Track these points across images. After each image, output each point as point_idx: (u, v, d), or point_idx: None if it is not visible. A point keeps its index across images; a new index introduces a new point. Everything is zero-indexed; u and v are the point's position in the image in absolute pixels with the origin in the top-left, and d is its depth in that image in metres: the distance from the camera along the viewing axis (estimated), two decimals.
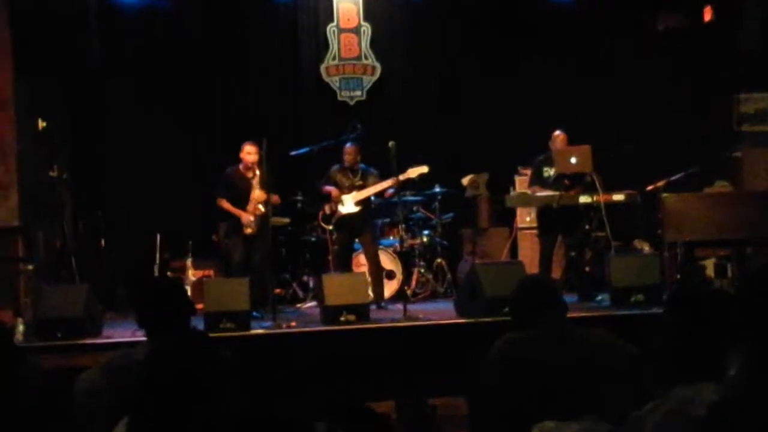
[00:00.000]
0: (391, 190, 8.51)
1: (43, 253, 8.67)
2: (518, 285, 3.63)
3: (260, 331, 7.01)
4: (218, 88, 10.61)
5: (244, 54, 10.63)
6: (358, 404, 2.56)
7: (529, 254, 9.52)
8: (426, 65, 10.94)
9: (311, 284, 9.37)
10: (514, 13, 10.66)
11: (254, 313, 7.50)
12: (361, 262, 9.05)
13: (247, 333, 6.88)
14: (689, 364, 2.40)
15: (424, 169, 8.63)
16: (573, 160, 8.09)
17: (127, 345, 4.66)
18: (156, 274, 8.91)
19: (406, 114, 10.69)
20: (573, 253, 8.43)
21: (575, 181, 8.20)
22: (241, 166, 8.42)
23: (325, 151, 9.25)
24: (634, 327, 5.42)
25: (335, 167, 8.85)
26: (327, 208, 8.79)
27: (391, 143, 7.81)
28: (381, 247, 9.16)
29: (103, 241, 9.46)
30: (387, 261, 9.20)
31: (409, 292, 9.08)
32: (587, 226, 8.24)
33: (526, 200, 8.82)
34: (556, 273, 8.67)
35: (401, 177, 8.25)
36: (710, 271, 8.93)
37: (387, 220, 9.74)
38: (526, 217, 10.00)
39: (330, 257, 9.00)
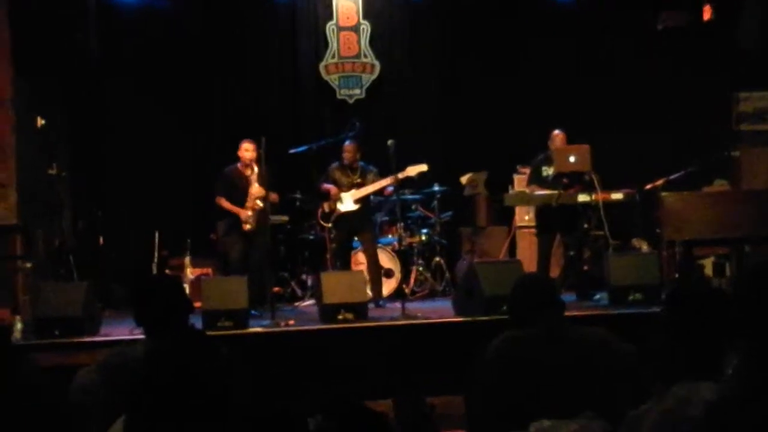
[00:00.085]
0: (390, 188, 8.51)
1: (41, 251, 8.67)
2: (516, 284, 3.63)
3: (258, 329, 7.01)
4: (217, 87, 10.62)
5: (243, 52, 10.64)
6: (353, 402, 2.56)
7: (527, 253, 9.52)
8: (425, 64, 10.95)
9: (309, 282, 9.37)
10: (513, 11, 10.66)
11: (252, 312, 7.50)
12: (359, 261, 9.05)
13: (245, 331, 6.88)
14: (687, 363, 2.40)
15: (424, 167, 8.62)
16: (572, 159, 8.09)
17: (125, 343, 4.66)
18: (154, 272, 8.92)
19: (405, 112, 10.70)
20: (571, 252, 8.43)
21: (574, 180, 8.20)
22: (239, 165, 8.43)
23: (324, 149, 9.24)
24: (633, 326, 5.39)
25: (334, 165, 8.85)
26: (326, 206, 8.79)
27: (390, 141, 7.81)
28: (379, 245, 9.16)
29: (101, 240, 9.47)
30: (385, 259, 9.20)
31: (407, 290, 9.09)
32: (586, 225, 8.23)
33: (524, 199, 8.81)
34: (555, 272, 8.67)
35: (400, 175, 8.26)
36: (709, 270, 8.94)
37: (386, 218, 9.74)
38: (524, 216, 10.00)
39: (328, 255, 8.99)
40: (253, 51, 10.70)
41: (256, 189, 8.24)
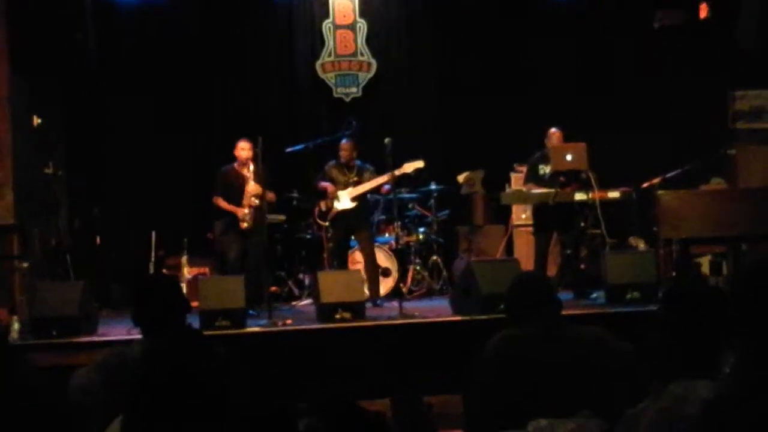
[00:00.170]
0: (387, 187, 8.51)
1: (38, 250, 8.66)
2: (513, 282, 3.64)
3: (256, 328, 7.01)
4: (214, 86, 10.61)
5: (240, 51, 10.64)
6: (345, 401, 2.56)
7: (524, 251, 9.52)
8: (422, 62, 10.94)
9: (307, 282, 9.37)
10: (510, 9, 10.66)
11: (250, 311, 7.50)
12: (356, 260, 9.05)
13: (242, 331, 6.88)
14: (684, 362, 2.40)
15: (420, 163, 8.62)
16: (568, 157, 8.09)
17: (122, 343, 4.67)
18: (151, 271, 8.91)
19: (402, 111, 10.70)
20: (568, 251, 8.43)
21: (571, 178, 8.20)
22: (236, 164, 8.43)
23: (320, 147, 9.24)
24: (630, 324, 5.41)
25: (331, 163, 8.85)
26: (323, 205, 8.79)
27: (386, 140, 7.81)
28: (377, 244, 9.16)
29: (98, 239, 9.46)
30: (383, 258, 9.20)
31: (404, 289, 9.09)
32: (582, 224, 8.24)
33: (521, 197, 8.82)
34: (552, 270, 8.67)
35: (397, 172, 8.26)
36: (706, 269, 8.95)
37: (383, 217, 9.74)
38: (521, 215, 10.01)
39: (325, 255, 8.99)
40: (250, 50, 10.70)
41: (252, 187, 8.24)
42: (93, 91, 10.01)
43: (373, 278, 8.59)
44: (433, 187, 9.64)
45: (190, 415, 1.99)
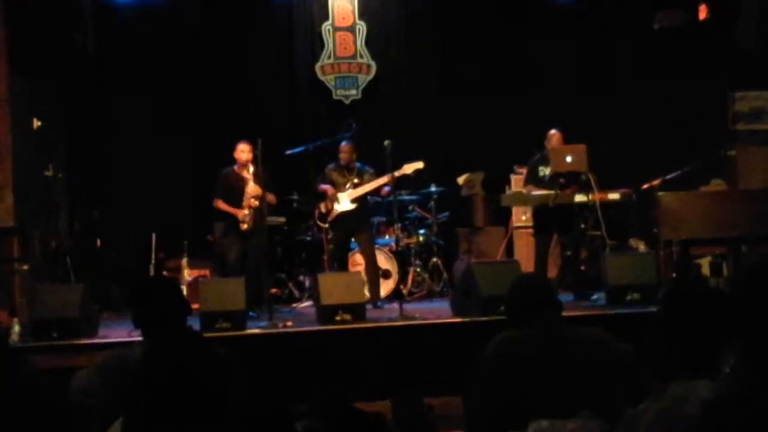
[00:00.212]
0: (387, 189, 8.51)
1: (38, 252, 8.66)
2: (513, 284, 3.63)
3: (256, 330, 7.01)
4: (214, 88, 10.62)
5: (240, 53, 10.65)
6: (345, 403, 2.56)
7: (524, 253, 9.52)
8: (421, 64, 10.95)
9: (307, 284, 9.37)
10: (510, 10, 10.67)
11: (250, 313, 7.50)
12: (356, 262, 9.05)
13: (243, 333, 6.88)
14: (684, 362, 2.40)
15: (419, 164, 8.61)
16: (568, 159, 8.09)
17: (123, 345, 4.66)
18: (152, 273, 8.91)
19: (402, 113, 10.71)
20: (569, 252, 8.44)
21: (570, 180, 8.20)
22: (235, 167, 8.44)
23: (320, 150, 9.25)
24: (630, 326, 5.41)
25: (331, 166, 8.85)
26: (323, 207, 8.79)
27: (386, 142, 7.81)
28: (377, 246, 9.16)
29: (98, 241, 9.46)
30: (383, 260, 9.20)
31: (405, 291, 9.09)
32: (583, 225, 8.24)
33: (521, 199, 8.82)
34: (552, 272, 8.68)
35: (397, 173, 8.25)
36: (706, 270, 8.94)
37: (383, 219, 9.74)
38: (521, 216, 10.01)
39: (326, 257, 8.99)
40: (250, 52, 10.70)
41: (251, 188, 8.24)
42: (92, 93, 10.02)
43: (373, 280, 8.59)
44: (433, 189, 9.64)
45: (190, 416, 1.99)
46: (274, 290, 8.95)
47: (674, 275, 8.02)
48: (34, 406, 2.89)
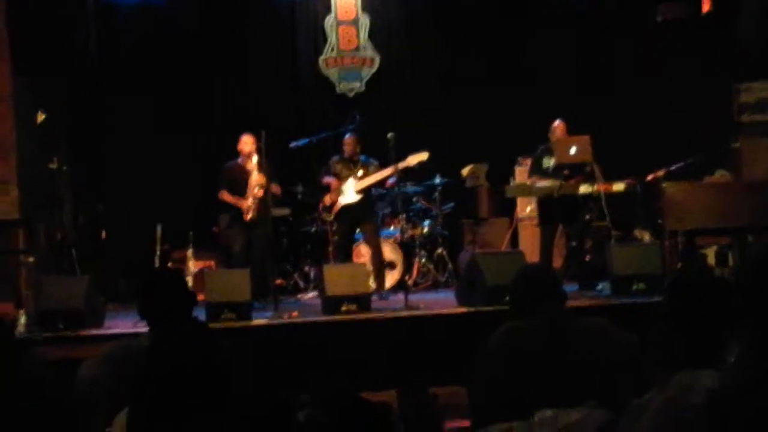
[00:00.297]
0: (392, 180, 8.50)
1: (43, 245, 8.68)
2: (518, 274, 3.63)
3: (261, 321, 7.02)
4: (217, 81, 10.62)
5: (243, 48, 10.65)
6: (351, 394, 2.56)
7: (529, 245, 9.52)
8: (425, 56, 10.94)
9: (312, 275, 9.38)
10: (513, 3, 10.64)
11: (255, 304, 7.51)
12: (361, 253, 9.06)
13: (248, 323, 6.89)
14: (689, 352, 2.40)
15: (424, 156, 8.59)
16: (573, 149, 8.09)
17: (128, 336, 4.68)
18: (157, 265, 8.92)
19: (405, 105, 10.70)
20: (573, 243, 8.43)
21: (575, 171, 8.20)
22: (239, 159, 8.45)
23: (324, 142, 9.26)
24: (635, 316, 5.42)
25: (335, 158, 8.85)
26: (327, 199, 8.79)
27: (390, 134, 7.81)
28: (382, 237, 9.16)
29: (103, 233, 9.47)
30: (388, 251, 9.20)
31: (410, 282, 9.09)
32: (587, 216, 8.23)
33: (525, 190, 8.82)
34: (557, 262, 8.68)
35: (401, 165, 8.24)
36: (711, 260, 8.93)
37: (388, 210, 9.75)
38: (526, 208, 10.00)
39: (330, 248, 9.00)
40: (253, 46, 10.70)
41: (256, 177, 8.24)
42: (95, 89, 10.02)
43: (378, 271, 8.60)
44: (437, 180, 9.65)
45: (195, 407, 1.99)
46: (279, 281, 8.96)
47: (679, 265, 8.01)
48: (41, 397, 2.90)
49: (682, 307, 2.47)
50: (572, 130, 8.45)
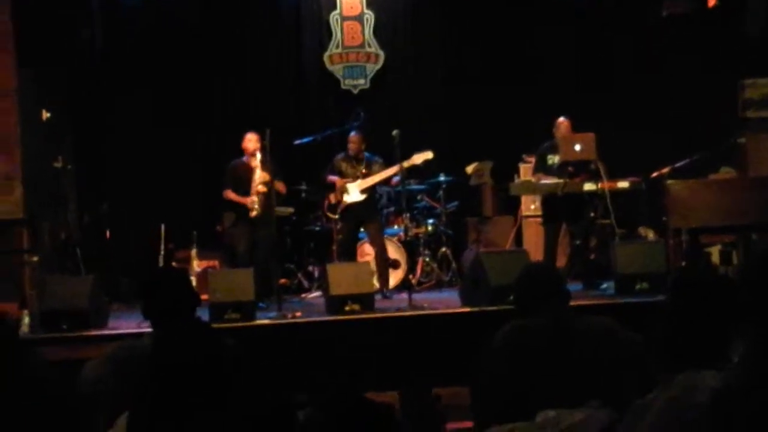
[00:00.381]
0: (396, 178, 8.49)
1: (48, 244, 8.68)
2: (522, 273, 3.63)
3: (265, 321, 7.03)
4: (221, 79, 10.62)
5: (247, 44, 10.65)
6: (355, 394, 2.56)
7: (533, 242, 9.51)
8: (430, 53, 10.93)
9: (316, 274, 9.38)
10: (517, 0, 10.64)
11: (259, 304, 7.51)
12: (365, 252, 9.06)
13: (252, 323, 6.90)
14: (692, 351, 2.39)
15: (429, 154, 8.59)
16: (577, 147, 8.07)
17: (132, 336, 4.68)
18: (161, 265, 8.93)
19: (410, 102, 10.69)
20: (578, 241, 8.42)
21: (579, 168, 8.18)
22: (244, 158, 8.44)
23: (329, 139, 9.25)
24: (639, 315, 5.41)
25: (339, 156, 8.84)
26: (332, 198, 8.79)
27: (395, 131, 7.80)
28: (386, 236, 9.15)
29: (107, 233, 9.48)
30: (392, 250, 9.19)
31: (413, 281, 9.08)
32: (592, 214, 8.22)
33: (530, 188, 8.81)
34: (561, 261, 8.66)
35: (406, 164, 8.24)
36: (716, 258, 8.91)
37: (392, 209, 9.74)
38: (530, 205, 9.99)
39: (334, 247, 9.00)
40: (257, 42, 10.70)
41: (259, 174, 8.23)
42: (100, 86, 10.02)
43: (382, 270, 8.60)
44: (441, 178, 9.63)
45: (198, 406, 1.99)
46: (283, 281, 8.96)
47: (683, 263, 7.99)
48: (44, 397, 2.90)
49: (685, 306, 2.46)
50: (577, 128, 8.43)
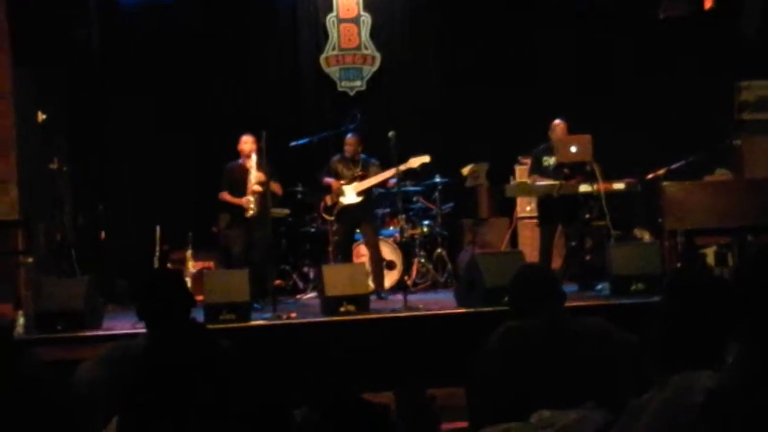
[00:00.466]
0: (393, 180, 8.50)
1: (43, 246, 8.66)
2: (517, 274, 3.63)
3: (260, 322, 7.01)
4: (218, 81, 10.60)
5: (244, 46, 10.64)
6: (351, 394, 2.56)
7: (529, 244, 9.51)
8: (426, 55, 10.93)
9: (311, 275, 9.37)
10: (514, 1, 10.63)
11: (254, 305, 7.50)
12: (361, 253, 9.05)
13: (247, 324, 6.88)
14: (687, 352, 2.39)
15: (426, 158, 8.61)
16: (573, 149, 8.08)
17: (127, 337, 4.67)
18: (156, 265, 8.91)
19: (406, 104, 10.69)
20: (573, 243, 8.42)
21: (575, 170, 8.19)
22: (240, 160, 8.44)
23: (325, 141, 9.24)
24: (634, 316, 5.39)
25: (336, 157, 8.84)
26: (328, 199, 8.79)
27: (390, 133, 7.81)
28: (381, 237, 9.16)
29: (103, 234, 9.46)
30: (387, 251, 9.20)
31: (409, 282, 9.08)
32: (587, 215, 8.22)
33: (526, 190, 8.81)
34: (557, 262, 8.67)
35: (402, 167, 8.25)
36: (711, 260, 8.92)
37: (387, 210, 9.74)
38: (526, 207, 9.99)
39: (330, 248, 9.00)
40: (254, 45, 10.70)
41: (254, 174, 8.22)
42: (96, 86, 10.01)
43: (377, 271, 8.59)
44: (437, 179, 9.63)
45: (193, 406, 1.99)
46: (278, 282, 8.95)
47: (678, 265, 8.00)
48: (39, 398, 2.89)
49: (681, 307, 2.46)
50: (573, 129, 8.44)
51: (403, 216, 8.84)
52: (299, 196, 9.62)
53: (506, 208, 10.14)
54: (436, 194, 9.74)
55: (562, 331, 3.36)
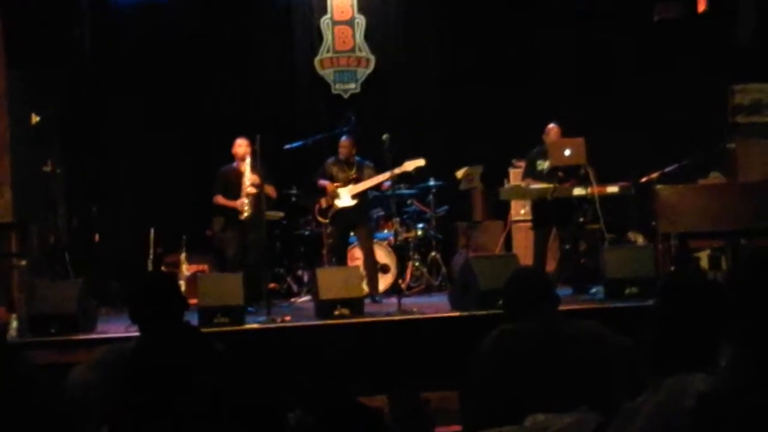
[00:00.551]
0: (387, 183, 8.50)
1: (36, 248, 8.65)
2: (511, 277, 3.63)
3: (254, 325, 7.00)
4: (212, 83, 10.60)
5: (239, 48, 10.63)
6: (346, 397, 2.56)
7: (523, 247, 9.52)
8: (420, 57, 10.93)
9: (306, 278, 9.37)
10: (509, 4, 10.64)
11: (248, 308, 7.49)
12: (355, 256, 9.05)
13: (241, 328, 6.88)
14: (681, 355, 2.39)
15: (421, 162, 8.62)
16: (567, 152, 8.08)
17: (120, 340, 4.67)
18: (149, 269, 8.89)
19: (401, 107, 10.68)
20: (567, 246, 8.42)
21: (569, 173, 8.19)
22: (234, 163, 8.43)
23: (319, 144, 9.23)
24: (628, 319, 5.41)
25: (330, 160, 8.84)
26: (323, 202, 8.79)
27: (385, 136, 7.81)
28: (375, 240, 9.15)
29: (96, 236, 9.45)
30: (381, 254, 9.19)
31: (403, 285, 9.07)
32: (581, 219, 8.22)
33: (520, 193, 8.82)
34: (551, 266, 8.67)
35: (397, 170, 8.26)
36: (704, 263, 8.93)
37: (382, 213, 9.74)
38: (520, 210, 10.00)
39: (324, 251, 8.99)
40: (248, 47, 10.69)
41: (248, 176, 8.21)
42: (91, 88, 10.00)
43: (371, 274, 8.59)
44: (431, 182, 9.63)
45: (186, 409, 1.99)
46: (272, 285, 8.94)
47: (672, 268, 8.01)
48: (32, 401, 2.89)
49: (674, 310, 2.46)
50: (570, 129, 8.45)
51: (398, 219, 8.84)
52: (293, 198, 9.61)
53: (500, 211, 10.15)
54: (431, 197, 9.74)
55: (556, 335, 3.36)
